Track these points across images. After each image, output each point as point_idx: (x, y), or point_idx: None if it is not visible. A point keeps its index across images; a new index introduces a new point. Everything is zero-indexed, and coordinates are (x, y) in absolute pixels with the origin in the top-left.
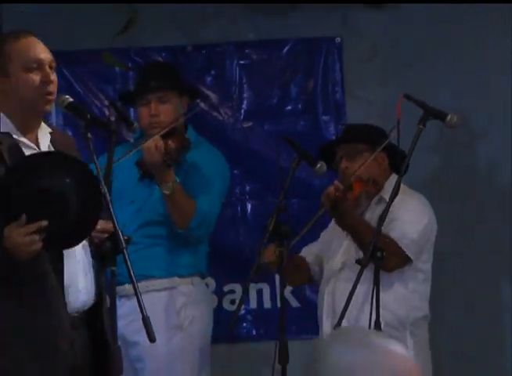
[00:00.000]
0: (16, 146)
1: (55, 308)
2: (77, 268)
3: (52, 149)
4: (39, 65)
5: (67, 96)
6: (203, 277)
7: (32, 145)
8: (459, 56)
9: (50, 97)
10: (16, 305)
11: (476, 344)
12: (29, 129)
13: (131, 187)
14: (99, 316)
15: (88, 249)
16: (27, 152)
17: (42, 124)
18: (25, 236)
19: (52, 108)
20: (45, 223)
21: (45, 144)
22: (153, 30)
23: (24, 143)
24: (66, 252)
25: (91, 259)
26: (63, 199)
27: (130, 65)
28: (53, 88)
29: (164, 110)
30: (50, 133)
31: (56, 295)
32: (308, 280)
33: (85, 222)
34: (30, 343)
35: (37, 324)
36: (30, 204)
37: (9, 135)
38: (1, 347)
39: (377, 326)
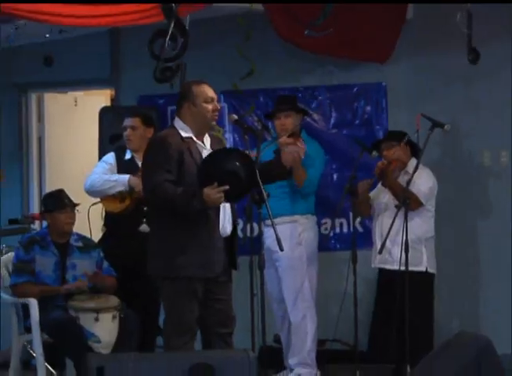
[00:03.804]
0: (195, 145)
1: (215, 234)
2: (226, 212)
3: (209, 146)
4: (212, 100)
5: (234, 115)
6: (312, 215)
7: (202, 144)
8: (458, 91)
9: (214, 120)
10: (193, 230)
11: (460, 248)
12: (200, 136)
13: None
14: (233, 238)
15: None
16: (200, 148)
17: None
18: (216, 194)
19: (214, 125)
20: (227, 187)
21: (208, 144)
22: (276, 77)
23: (198, 143)
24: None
25: (229, 206)
26: (235, 174)
27: (261, 99)
28: (218, 113)
29: (288, 122)
30: (209, 137)
31: (215, 227)
32: (369, 214)
33: (247, 187)
34: (198, 254)
35: (203, 243)
36: (218, 176)
37: (191, 138)
38: (183, 254)
39: (406, 241)
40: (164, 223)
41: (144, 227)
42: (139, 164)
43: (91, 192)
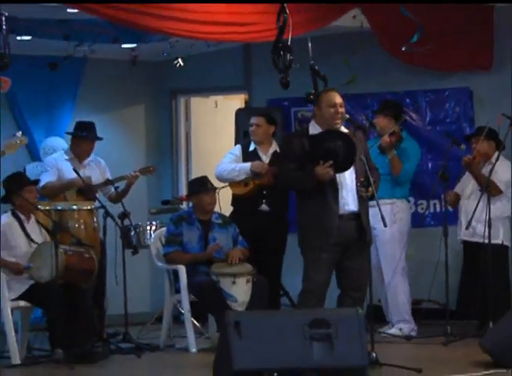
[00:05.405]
0: None
1: (332, 211)
2: (348, 193)
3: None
4: (334, 105)
5: (346, 114)
6: (407, 199)
7: None
8: None
9: (337, 120)
10: (312, 208)
11: None
12: None
13: (374, 157)
14: (360, 216)
15: (355, 185)
16: None
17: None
18: (324, 169)
19: (341, 124)
20: (331, 162)
21: None
22: (381, 84)
23: None
24: (342, 184)
25: (355, 190)
26: (337, 151)
27: (369, 101)
28: (341, 116)
29: (383, 122)
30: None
31: (333, 204)
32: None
33: (347, 163)
34: (317, 225)
35: (321, 218)
36: (325, 154)
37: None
38: (305, 227)
39: (489, 221)
40: (297, 203)
41: (264, 207)
42: (260, 154)
43: (220, 179)
